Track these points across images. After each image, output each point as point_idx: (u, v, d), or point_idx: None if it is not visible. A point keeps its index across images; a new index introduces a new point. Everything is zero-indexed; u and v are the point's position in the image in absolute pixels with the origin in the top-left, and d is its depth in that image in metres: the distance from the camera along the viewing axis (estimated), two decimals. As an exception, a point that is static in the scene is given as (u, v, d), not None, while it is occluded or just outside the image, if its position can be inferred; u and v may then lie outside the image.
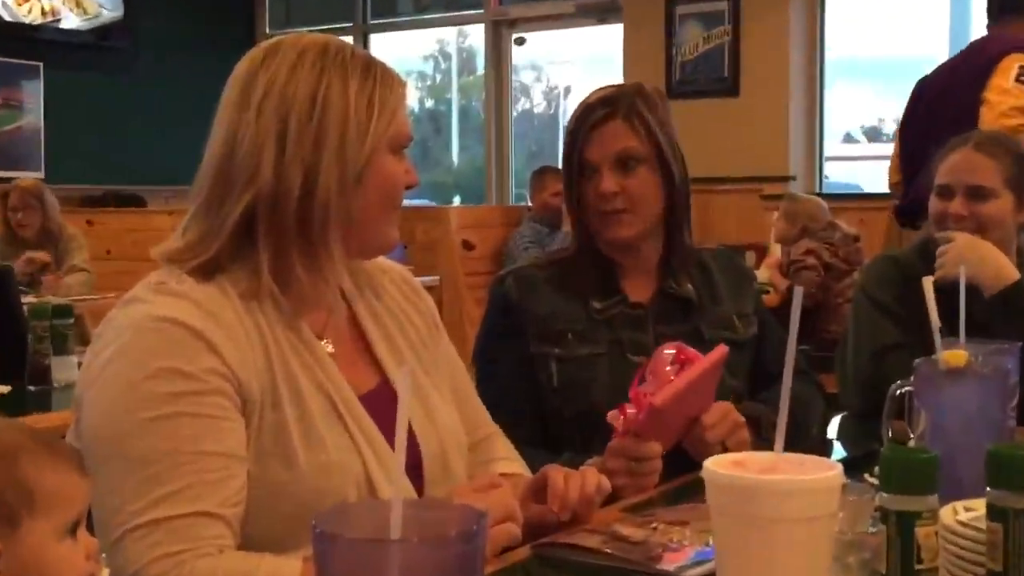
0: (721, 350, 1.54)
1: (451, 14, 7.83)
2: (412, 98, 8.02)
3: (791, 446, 0.84)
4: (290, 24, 8.01)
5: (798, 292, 0.86)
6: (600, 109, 1.74)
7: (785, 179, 6.10)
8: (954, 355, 1.30)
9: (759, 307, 1.87)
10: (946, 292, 1.45)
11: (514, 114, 7.60)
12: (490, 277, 1.90)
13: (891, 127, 6.57)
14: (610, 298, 1.76)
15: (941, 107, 3.19)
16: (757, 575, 0.80)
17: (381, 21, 8.08)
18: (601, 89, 1.78)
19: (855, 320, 2.10)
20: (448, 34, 8.16)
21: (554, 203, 5.22)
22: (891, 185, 3.59)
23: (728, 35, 6.22)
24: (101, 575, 1.05)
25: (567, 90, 7.78)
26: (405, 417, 0.72)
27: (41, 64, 6.99)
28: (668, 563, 1.18)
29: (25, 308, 2.59)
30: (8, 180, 5.01)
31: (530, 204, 5.74)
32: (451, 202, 7.85)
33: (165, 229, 1.31)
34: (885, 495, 0.92)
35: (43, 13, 7.00)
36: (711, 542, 1.13)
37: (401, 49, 8.09)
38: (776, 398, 0.87)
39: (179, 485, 1.13)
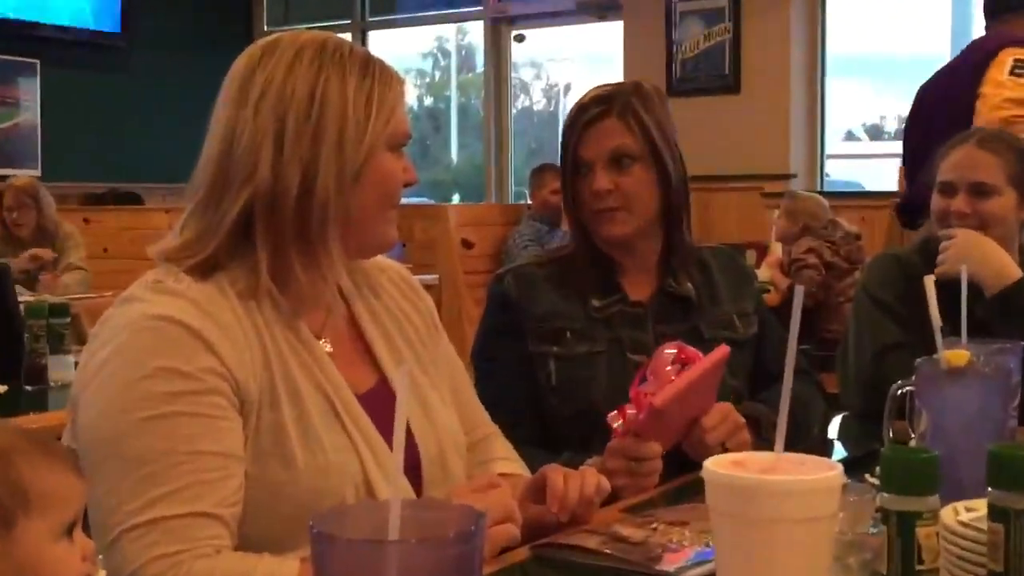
0: (722, 350, 1.53)
1: (450, 11, 7.83)
2: (411, 96, 8.02)
3: (791, 446, 0.84)
4: (288, 21, 8.01)
5: (799, 291, 0.85)
6: (595, 107, 1.74)
7: (786, 177, 6.10)
8: (955, 355, 1.29)
9: (759, 306, 1.87)
10: (948, 291, 1.45)
11: (513, 112, 7.59)
12: (489, 276, 1.90)
13: (892, 125, 6.57)
14: (609, 297, 1.75)
15: (942, 108, 3.19)
16: (757, 575, 0.80)
17: (380, 18, 8.08)
18: (598, 88, 1.77)
19: (856, 320, 2.09)
20: (447, 31, 8.16)
21: (554, 201, 5.22)
22: (900, 196, 3.57)
23: (729, 32, 6.21)
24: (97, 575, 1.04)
25: (567, 88, 7.78)
26: (403, 417, 0.72)
27: (38, 61, 6.99)
28: (668, 564, 1.18)
29: (21, 307, 2.59)
30: (4, 178, 5.00)
31: (530, 202, 5.74)
32: (450, 200, 7.84)
33: (163, 227, 1.31)
34: (886, 495, 0.92)
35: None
36: (711, 543, 1.12)
37: (400, 46, 8.09)
38: (776, 398, 0.87)
39: (176, 485, 1.12)
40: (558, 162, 1.82)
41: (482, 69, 7.59)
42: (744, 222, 5.80)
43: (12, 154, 6.84)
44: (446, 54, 8.29)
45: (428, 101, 8.39)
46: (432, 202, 7.37)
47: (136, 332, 1.17)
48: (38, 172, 6.52)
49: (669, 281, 1.78)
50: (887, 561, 0.91)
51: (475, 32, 7.77)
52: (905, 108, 3.54)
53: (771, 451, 0.84)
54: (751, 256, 4.84)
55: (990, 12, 3.35)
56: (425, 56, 8.24)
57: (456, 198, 7.96)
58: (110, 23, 7.29)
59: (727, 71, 6.22)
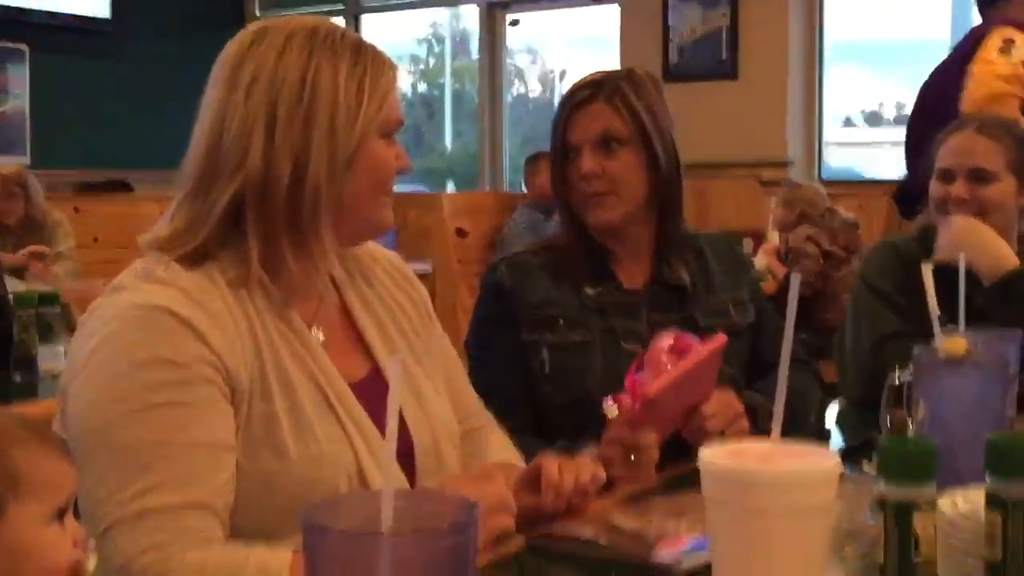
0: (719, 339, 1.53)
1: (445, -5, 7.79)
2: (405, 82, 7.97)
3: (788, 435, 0.83)
4: (280, 5, 7.95)
5: (795, 280, 0.84)
6: (584, 91, 1.73)
7: (783, 164, 6.08)
8: (953, 343, 1.28)
9: (756, 295, 1.86)
10: (947, 279, 1.44)
11: (509, 99, 7.57)
12: (484, 264, 1.89)
13: (891, 112, 6.55)
14: (603, 285, 1.74)
15: (942, 103, 3.19)
16: (753, 566, 0.79)
17: (373, 3, 8.03)
18: (591, 74, 1.77)
19: (855, 309, 2.08)
20: (441, 16, 8.11)
21: (549, 189, 5.19)
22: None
23: (726, 18, 6.19)
24: (88, 562, 1.03)
25: (562, 74, 7.75)
26: (396, 406, 0.71)
27: (27, 48, 6.95)
28: (663, 554, 1.17)
29: (11, 296, 2.57)
30: (-7, 166, 4.96)
31: (525, 190, 5.72)
32: (444, 188, 7.82)
33: (153, 216, 1.29)
34: (883, 485, 0.91)
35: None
36: (707, 533, 1.12)
37: (393, 31, 8.05)
38: (773, 387, 0.86)
39: (167, 475, 1.11)
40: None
41: (477, 55, 7.56)
42: (741, 209, 5.78)
43: (1, 142, 6.81)
44: (440, 40, 8.25)
45: (422, 88, 8.36)
46: (426, 190, 7.34)
47: (126, 321, 1.16)
48: (27, 160, 6.48)
49: (663, 269, 1.77)
50: (884, 551, 0.91)
51: (470, 17, 7.73)
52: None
53: (768, 440, 0.83)
54: (748, 244, 4.83)
55: (984, 1, 3.36)
56: (419, 42, 8.20)
57: (450, 185, 7.94)
58: (99, 8, 7.24)
59: (724, 57, 6.19)
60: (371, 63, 1.24)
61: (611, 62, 6.14)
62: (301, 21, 1.26)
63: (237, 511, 1.16)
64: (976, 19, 3.53)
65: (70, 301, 2.89)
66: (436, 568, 0.68)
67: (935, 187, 2.05)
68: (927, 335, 1.34)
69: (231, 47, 1.25)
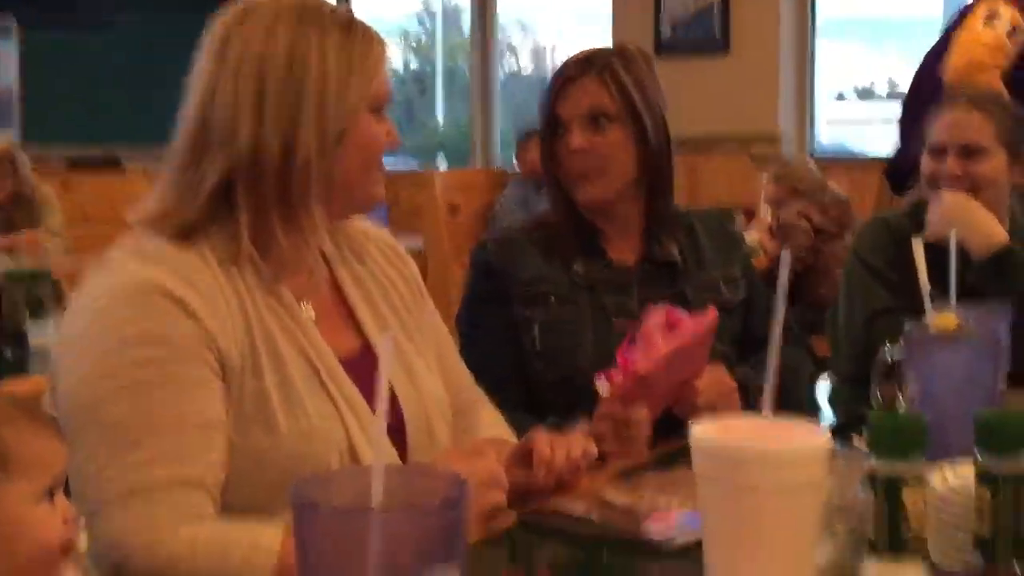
0: (711, 315, 1.53)
1: (436, -31, 7.72)
2: (396, 58, 7.92)
3: (780, 410, 0.83)
4: (273, -19, 7.86)
5: (785, 256, 0.84)
6: (574, 67, 1.72)
7: (775, 139, 6.07)
8: (944, 319, 1.28)
9: (747, 271, 1.86)
10: (938, 255, 1.44)
11: (501, 75, 7.53)
12: (476, 241, 1.88)
13: (883, 88, 6.53)
14: (593, 262, 1.74)
15: (938, 80, 3.18)
16: (744, 542, 0.79)
17: (365, -22, 7.96)
18: (583, 51, 1.76)
19: (847, 285, 2.08)
20: (432, -9, 8.05)
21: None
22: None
23: (719, -7, 6.15)
24: (79, 541, 1.03)
25: (554, 50, 7.71)
26: (386, 380, 0.71)
27: (14, 22, 6.88)
28: (654, 531, 1.17)
29: (1, 273, 2.57)
30: (-19, 142, 4.91)
31: (517, 167, 5.71)
32: (436, 164, 7.79)
33: (144, 191, 1.28)
34: (873, 460, 0.91)
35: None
36: (698, 509, 1.12)
37: (384, 7, 7.98)
38: (764, 363, 0.86)
39: (157, 452, 1.11)
40: (541, 125, 1.80)
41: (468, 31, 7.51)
42: (733, 185, 5.77)
43: (-11, 117, 6.76)
44: (432, 15, 8.19)
45: (414, 64, 8.31)
46: (417, 166, 7.31)
47: (116, 298, 1.16)
48: (17, 135, 6.43)
49: (654, 246, 1.76)
50: (874, 526, 0.91)
51: (462, -9, 7.67)
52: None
53: (759, 416, 0.83)
54: (740, 220, 4.83)
55: None
56: (410, 17, 8.14)
57: (442, 162, 7.91)
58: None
59: (716, 32, 6.17)
60: (360, 39, 1.23)
61: (603, 37, 6.11)
62: (291, -4, 1.25)
63: (229, 488, 1.15)
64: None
65: (60, 277, 2.88)
66: (427, 544, 0.68)
67: (927, 163, 2.05)
68: (919, 311, 1.34)
69: (220, 22, 1.24)
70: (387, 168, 1.31)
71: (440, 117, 8.25)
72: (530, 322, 1.70)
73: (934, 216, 1.97)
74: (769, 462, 0.77)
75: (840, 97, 6.63)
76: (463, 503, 0.69)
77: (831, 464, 0.81)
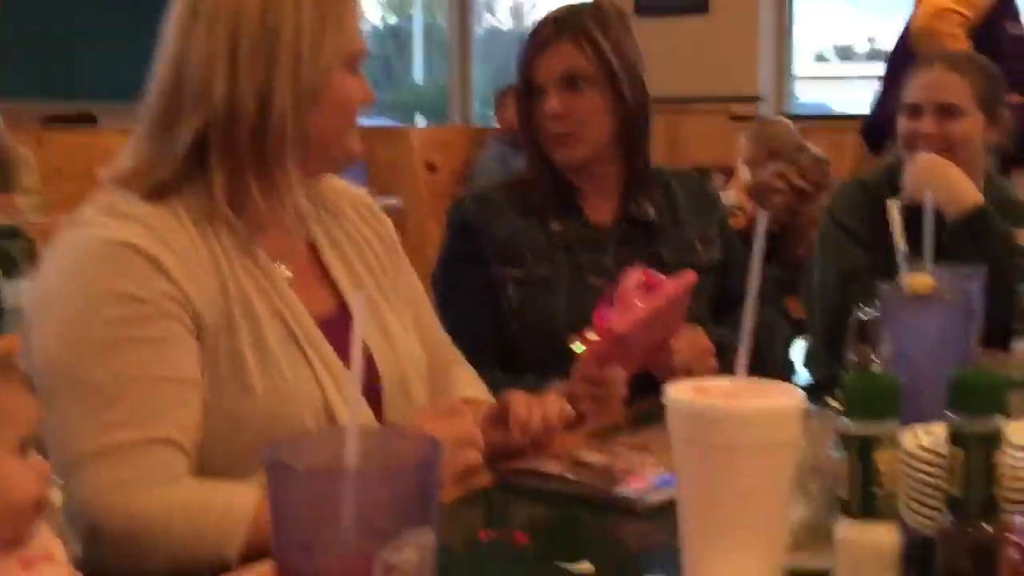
0: (689, 276, 1.53)
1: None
2: (374, 14, 7.84)
3: (755, 371, 0.83)
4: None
5: (762, 217, 0.84)
6: (548, 28, 1.70)
7: (754, 99, 6.06)
8: (919, 281, 1.29)
9: (724, 231, 1.86)
10: (914, 216, 1.44)
11: (480, 31, 7.46)
12: (454, 199, 1.87)
13: (863, 46, 6.52)
14: (570, 220, 1.74)
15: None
16: (719, 502, 0.79)
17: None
18: (557, 9, 1.74)
19: (822, 246, 2.09)
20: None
21: (520, 123, 5.15)
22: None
23: (698, -49, 6.11)
24: (55, 498, 1.03)
25: (534, 6, 7.64)
26: (359, 339, 0.70)
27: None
28: (629, 490, 1.18)
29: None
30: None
31: (496, 124, 5.68)
32: (413, 122, 7.73)
33: (119, 149, 1.26)
34: (846, 420, 0.92)
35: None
36: (673, 469, 1.13)
37: (363, -38, 7.87)
38: (739, 323, 0.86)
39: (131, 411, 1.10)
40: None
41: (447, -14, 7.43)
42: (712, 145, 5.77)
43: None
44: (410, -30, 8.09)
45: (392, 20, 8.22)
46: (395, 123, 7.26)
47: (89, 256, 1.14)
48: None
49: (631, 205, 1.76)
50: (848, 486, 0.92)
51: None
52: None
53: (734, 377, 0.83)
54: (719, 180, 4.83)
55: None
56: (388, -29, 8.04)
57: (420, 119, 7.85)
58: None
59: (696, -9, 6.13)
60: (334, -6, 1.21)
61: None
62: (264, -51, 1.22)
63: (204, 448, 1.15)
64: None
65: (35, 236, 2.85)
66: (402, 506, 0.68)
67: (903, 123, 2.05)
68: (893, 272, 1.34)
69: (193, -25, 1.21)
70: (364, 125, 1.29)
71: (418, 74, 8.19)
72: (506, 280, 1.70)
73: (910, 178, 1.97)
74: (743, 422, 0.78)
75: (820, 58, 6.62)
76: (435, 465, 0.69)
77: (805, 425, 0.82)
